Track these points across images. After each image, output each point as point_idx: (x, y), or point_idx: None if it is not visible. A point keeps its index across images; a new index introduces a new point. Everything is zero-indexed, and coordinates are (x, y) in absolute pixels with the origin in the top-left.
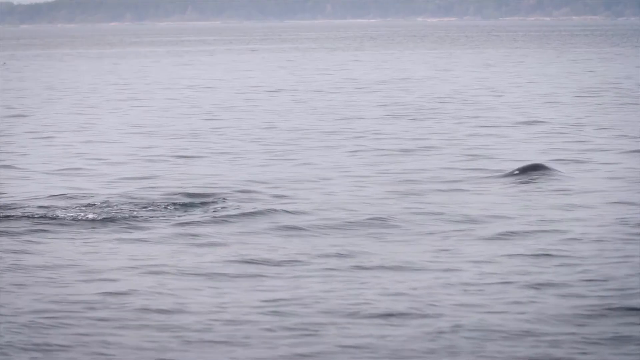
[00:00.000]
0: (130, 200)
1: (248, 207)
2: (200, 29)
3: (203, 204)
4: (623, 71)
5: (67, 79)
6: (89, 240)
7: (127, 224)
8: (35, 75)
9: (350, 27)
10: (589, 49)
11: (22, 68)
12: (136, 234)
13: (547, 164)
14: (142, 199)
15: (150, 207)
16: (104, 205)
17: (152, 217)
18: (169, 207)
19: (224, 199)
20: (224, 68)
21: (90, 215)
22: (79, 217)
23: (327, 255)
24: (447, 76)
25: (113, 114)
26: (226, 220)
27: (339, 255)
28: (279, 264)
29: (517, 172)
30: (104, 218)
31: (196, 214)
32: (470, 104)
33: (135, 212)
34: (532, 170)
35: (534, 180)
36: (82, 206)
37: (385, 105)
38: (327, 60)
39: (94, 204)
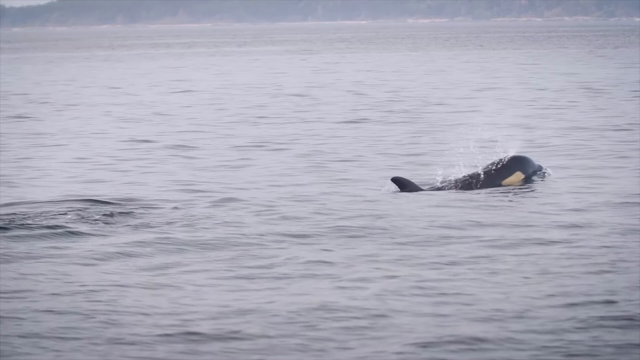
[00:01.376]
0: (56, 211)
1: (181, 216)
2: (190, 31)
3: (126, 213)
4: (602, 72)
5: (41, 82)
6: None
7: (48, 234)
8: (10, 80)
9: (341, 28)
10: (576, 50)
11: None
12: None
13: (528, 156)
14: (69, 209)
15: (77, 217)
16: (20, 217)
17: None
18: (97, 217)
19: (153, 208)
20: (200, 71)
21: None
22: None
23: (258, 265)
24: (421, 79)
25: (69, 120)
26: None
27: (279, 264)
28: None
29: (493, 168)
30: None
31: (121, 224)
32: (443, 107)
33: (59, 222)
34: (508, 169)
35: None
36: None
37: (349, 109)
38: (296, 62)
39: (16, 214)
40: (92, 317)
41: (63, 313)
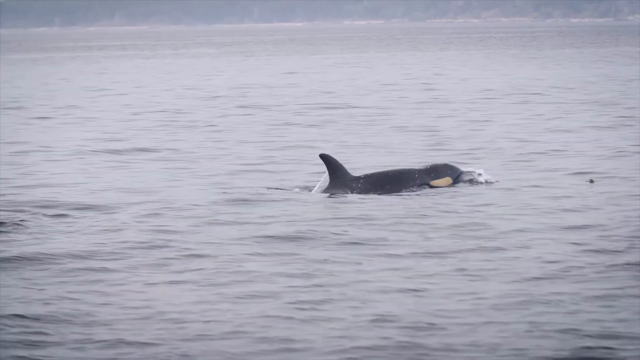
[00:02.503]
0: None
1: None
2: (125, 34)
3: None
4: (536, 74)
5: None
6: None
7: None
8: None
9: (277, 30)
10: (513, 51)
11: None
12: None
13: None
14: None
15: None
16: None
17: None
18: None
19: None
20: (130, 74)
21: None
22: None
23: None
24: (351, 80)
25: None
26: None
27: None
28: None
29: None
30: None
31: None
32: (370, 110)
33: None
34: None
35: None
36: None
37: (278, 112)
38: (228, 65)
39: None
40: None
41: None
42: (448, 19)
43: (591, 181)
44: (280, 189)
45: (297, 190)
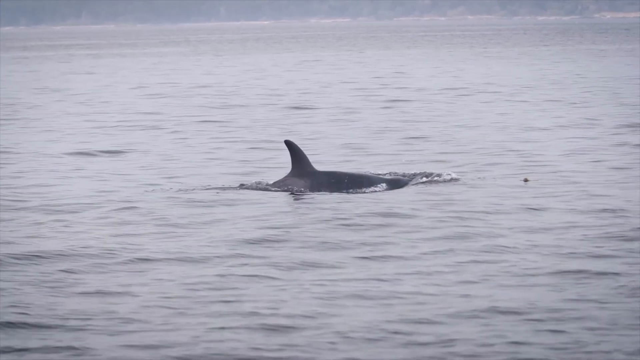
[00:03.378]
0: None
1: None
2: (91, 33)
3: None
4: (493, 71)
5: None
6: None
7: None
8: None
9: (244, 29)
10: (467, 49)
11: None
12: None
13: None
14: None
15: None
16: None
17: None
18: None
19: None
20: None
21: None
22: None
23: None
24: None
25: None
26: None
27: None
28: None
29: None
30: None
31: None
32: (318, 110)
33: None
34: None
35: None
36: None
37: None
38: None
39: None
40: None
41: None
42: (414, 17)
43: (525, 180)
44: (237, 188)
45: (258, 181)
